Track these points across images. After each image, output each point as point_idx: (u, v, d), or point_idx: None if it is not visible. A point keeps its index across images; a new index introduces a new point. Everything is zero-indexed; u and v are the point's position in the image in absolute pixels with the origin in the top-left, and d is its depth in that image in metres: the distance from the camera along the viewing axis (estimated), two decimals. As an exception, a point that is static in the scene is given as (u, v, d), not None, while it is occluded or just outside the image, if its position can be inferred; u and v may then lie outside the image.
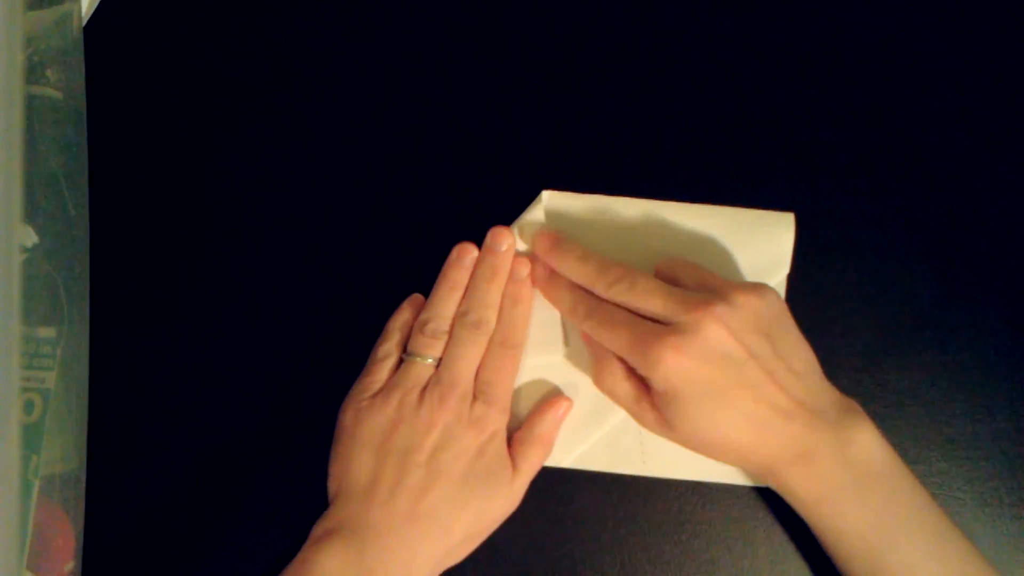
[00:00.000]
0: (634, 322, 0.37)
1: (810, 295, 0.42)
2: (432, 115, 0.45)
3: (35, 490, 0.38)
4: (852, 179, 0.43)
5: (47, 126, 0.41)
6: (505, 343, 0.40)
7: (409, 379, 0.39)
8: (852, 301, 0.42)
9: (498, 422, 0.39)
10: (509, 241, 0.41)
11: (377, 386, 0.39)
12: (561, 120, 0.44)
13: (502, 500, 0.38)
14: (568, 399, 0.41)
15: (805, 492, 0.36)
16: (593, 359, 0.40)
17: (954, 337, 0.42)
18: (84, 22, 0.44)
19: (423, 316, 0.40)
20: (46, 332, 0.40)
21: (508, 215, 0.42)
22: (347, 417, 0.39)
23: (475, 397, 0.39)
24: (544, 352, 0.41)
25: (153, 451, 0.42)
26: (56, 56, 0.42)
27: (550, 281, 0.41)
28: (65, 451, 0.40)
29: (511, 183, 0.43)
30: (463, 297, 0.40)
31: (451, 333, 0.40)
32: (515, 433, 0.40)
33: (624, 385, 0.38)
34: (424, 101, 0.45)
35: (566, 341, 0.41)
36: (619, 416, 0.41)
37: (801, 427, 0.35)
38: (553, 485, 0.41)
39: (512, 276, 0.41)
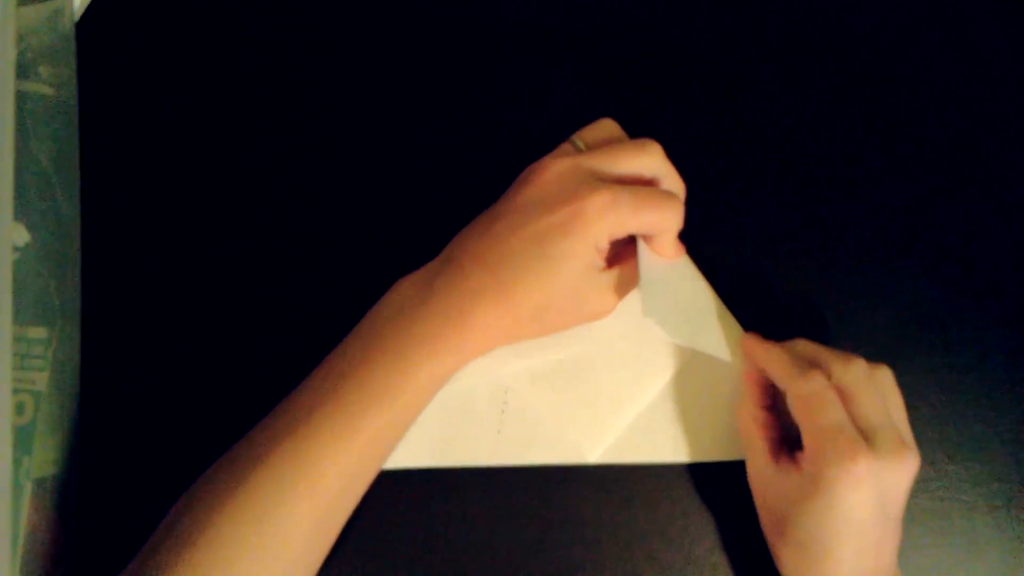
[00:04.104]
0: (845, 417, 0.35)
1: (813, 296, 0.41)
2: (428, 112, 0.44)
3: (27, 492, 0.38)
4: (854, 179, 0.43)
5: (39, 123, 0.41)
6: None
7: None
8: (855, 303, 0.42)
9: None
10: None
11: None
12: (561, 118, 0.44)
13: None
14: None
15: None
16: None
17: (959, 339, 0.42)
18: (76, 18, 0.44)
19: None
20: (37, 332, 0.39)
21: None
22: None
23: None
24: (567, 345, 0.41)
25: (146, 453, 0.42)
26: (48, 52, 0.42)
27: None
28: (57, 453, 0.40)
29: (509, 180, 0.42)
30: None
31: None
32: None
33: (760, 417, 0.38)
34: (421, 99, 0.44)
35: (587, 332, 0.41)
36: (643, 405, 0.40)
37: None
38: (553, 486, 0.41)
39: None
